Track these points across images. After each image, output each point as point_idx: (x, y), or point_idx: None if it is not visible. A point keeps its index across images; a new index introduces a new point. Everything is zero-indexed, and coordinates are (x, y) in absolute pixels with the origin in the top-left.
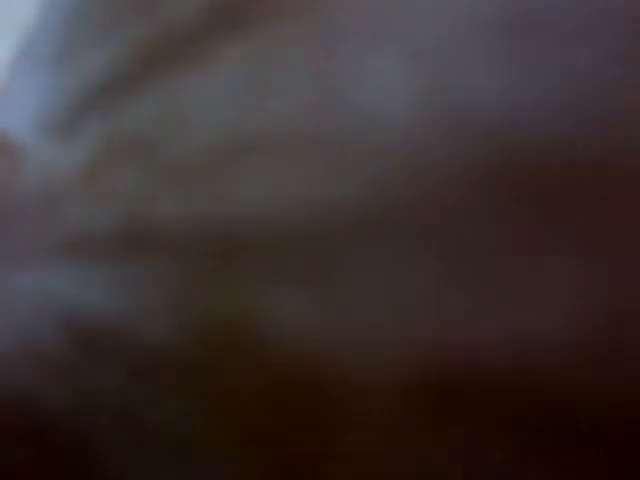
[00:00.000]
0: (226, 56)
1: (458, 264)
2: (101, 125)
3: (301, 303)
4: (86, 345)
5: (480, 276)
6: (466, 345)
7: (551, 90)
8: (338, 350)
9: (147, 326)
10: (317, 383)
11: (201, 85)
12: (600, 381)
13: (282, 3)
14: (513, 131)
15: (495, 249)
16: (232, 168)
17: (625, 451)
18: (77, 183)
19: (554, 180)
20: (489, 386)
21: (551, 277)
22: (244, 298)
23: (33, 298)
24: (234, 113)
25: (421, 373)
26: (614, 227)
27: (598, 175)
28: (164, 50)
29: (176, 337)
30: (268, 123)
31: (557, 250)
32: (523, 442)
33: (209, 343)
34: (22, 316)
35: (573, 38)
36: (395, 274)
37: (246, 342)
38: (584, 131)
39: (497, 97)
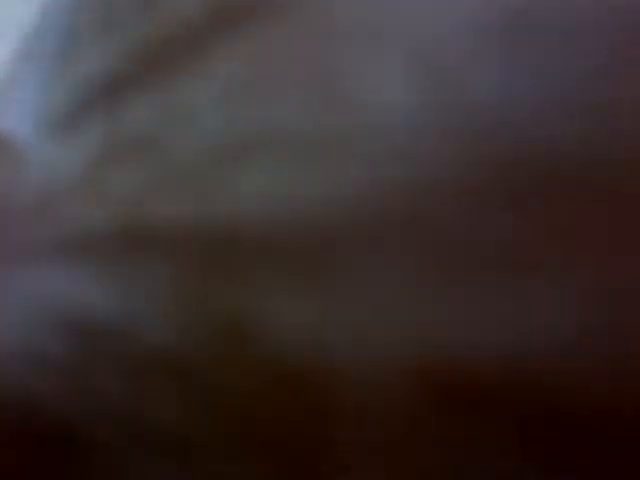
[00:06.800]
0: (226, 56)
1: (458, 265)
2: (101, 125)
3: (301, 304)
4: (86, 345)
5: (480, 278)
6: (466, 346)
7: (550, 89)
8: (338, 351)
9: (147, 326)
10: (317, 383)
11: (201, 85)
12: (599, 382)
13: (282, 3)
14: (513, 130)
15: (495, 249)
16: (232, 168)
17: (625, 450)
18: (77, 183)
19: (553, 179)
20: (488, 386)
21: (550, 279)
22: (244, 299)
23: (33, 298)
24: (234, 113)
25: (421, 373)
26: (614, 225)
27: (598, 174)
28: (164, 50)
29: (176, 337)
30: (268, 123)
31: (556, 252)
32: (522, 441)
33: (209, 343)
34: (22, 316)
35: (571, 37)
36: (395, 275)
37: (246, 343)
38: (584, 130)
39: (496, 96)
